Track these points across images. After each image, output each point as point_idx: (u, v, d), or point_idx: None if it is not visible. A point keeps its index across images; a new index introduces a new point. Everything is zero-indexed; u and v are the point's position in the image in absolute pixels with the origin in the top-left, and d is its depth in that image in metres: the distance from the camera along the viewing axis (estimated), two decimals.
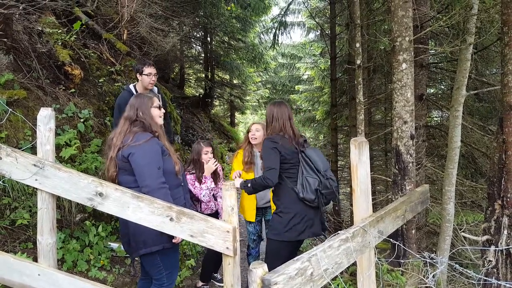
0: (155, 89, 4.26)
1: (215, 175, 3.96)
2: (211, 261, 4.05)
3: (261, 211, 4.02)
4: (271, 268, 1.73)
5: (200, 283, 4.17)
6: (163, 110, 2.86)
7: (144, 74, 3.92)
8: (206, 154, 3.88)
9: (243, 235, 5.00)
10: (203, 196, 3.77)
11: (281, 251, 3.12)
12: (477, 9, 4.40)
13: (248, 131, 3.91)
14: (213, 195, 4.00)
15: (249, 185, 3.13)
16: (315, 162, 3.12)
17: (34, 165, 2.24)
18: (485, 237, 3.09)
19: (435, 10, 5.68)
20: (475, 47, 5.76)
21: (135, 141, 2.51)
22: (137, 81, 4.06)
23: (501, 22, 3.03)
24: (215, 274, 4.47)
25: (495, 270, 2.98)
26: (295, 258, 1.84)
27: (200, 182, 3.84)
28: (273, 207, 3.80)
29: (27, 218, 3.36)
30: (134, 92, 3.96)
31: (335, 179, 3.21)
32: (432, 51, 6.73)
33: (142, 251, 2.56)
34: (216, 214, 4.01)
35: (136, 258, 3.74)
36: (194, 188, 3.82)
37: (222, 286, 3.68)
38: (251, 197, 3.85)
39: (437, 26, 4.60)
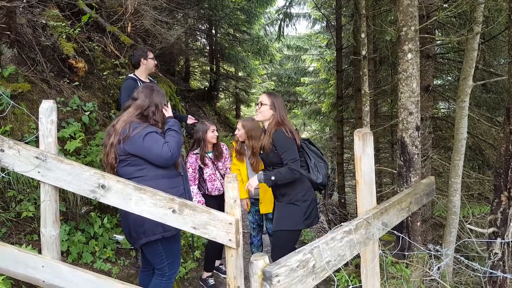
0: (150, 78, 4.42)
1: (218, 153, 4.07)
2: (213, 249, 4.12)
3: (256, 202, 4.04)
4: None
5: (205, 275, 4.20)
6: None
7: (149, 58, 4.20)
8: (213, 132, 4.00)
9: (248, 227, 5.01)
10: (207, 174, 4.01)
11: (293, 242, 3.17)
12: None
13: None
14: (221, 174, 4.07)
15: (272, 178, 3.00)
16: (319, 149, 3.27)
17: (36, 157, 2.25)
18: (491, 229, 3.05)
19: None
20: (483, 37, 5.66)
21: (132, 131, 2.52)
22: (136, 69, 4.23)
23: (508, 9, 2.97)
24: (221, 266, 4.50)
25: (501, 263, 2.95)
26: (296, 250, 1.84)
27: (203, 161, 3.96)
28: (266, 198, 3.83)
29: (32, 210, 3.38)
30: (138, 80, 4.10)
31: None
32: (439, 41, 6.63)
33: (142, 240, 2.58)
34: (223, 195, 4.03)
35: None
36: (194, 171, 3.96)
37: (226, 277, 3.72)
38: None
39: (443, 15, 4.51)
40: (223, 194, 4.01)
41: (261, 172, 3.24)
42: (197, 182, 4.01)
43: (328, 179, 3.23)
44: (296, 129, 3.24)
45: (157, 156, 2.50)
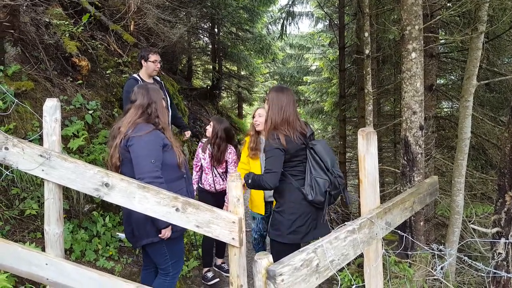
0: (157, 78, 4.35)
1: (215, 152, 4.00)
2: (208, 244, 4.22)
3: (269, 205, 3.84)
4: None
5: (204, 270, 4.26)
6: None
7: (149, 61, 4.09)
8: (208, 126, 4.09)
9: (250, 226, 5.01)
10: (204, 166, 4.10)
11: (281, 253, 2.93)
12: None
13: (253, 117, 3.81)
14: (218, 172, 4.08)
15: (249, 180, 2.89)
16: (324, 160, 2.86)
17: (41, 155, 2.25)
18: (495, 229, 3.04)
19: None
20: (487, 36, 5.64)
21: (136, 131, 2.52)
22: (141, 69, 4.19)
23: None
24: (223, 264, 4.50)
25: (505, 263, 2.94)
26: (300, 249, 1.84)
27: (203, 150, 4.09)
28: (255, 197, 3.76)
29: (36, 208, 3.39)
30: (140, 80, 4.03)
31: (342, 175, 2.98)
32: (443, 40, 6.61)
33: (145, 241, 2.58)
34: (219, 194, 4.12)
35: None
36: (197, 157, 4.15)
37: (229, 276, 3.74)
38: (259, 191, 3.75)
39: (447, 14, 4.49)
40: (217, 193, 4.07)
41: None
42: (198, 170, 4.15)
43: (326, 197, 2.81)
44: (309, 135, 2.99)
45: (137, 165, 2.46)
